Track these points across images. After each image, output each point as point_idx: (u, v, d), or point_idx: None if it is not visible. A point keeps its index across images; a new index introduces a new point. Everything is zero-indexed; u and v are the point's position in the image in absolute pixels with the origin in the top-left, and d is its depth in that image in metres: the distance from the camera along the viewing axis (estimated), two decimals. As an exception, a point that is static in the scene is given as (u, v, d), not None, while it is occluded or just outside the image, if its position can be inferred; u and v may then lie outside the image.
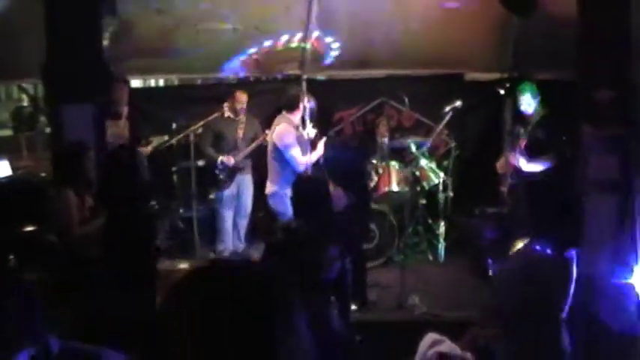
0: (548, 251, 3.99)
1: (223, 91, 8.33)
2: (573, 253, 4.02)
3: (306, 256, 4.32)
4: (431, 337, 5.49)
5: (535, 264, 4.05)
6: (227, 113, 7.87)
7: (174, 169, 8.19)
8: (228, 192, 7.98)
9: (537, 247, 4.05)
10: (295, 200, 4.70)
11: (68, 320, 3.84)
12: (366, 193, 7.87)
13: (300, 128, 7.48)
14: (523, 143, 7.28)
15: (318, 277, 4.34)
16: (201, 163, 7.94)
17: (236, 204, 8.06)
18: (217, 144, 7.91)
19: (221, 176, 7.88)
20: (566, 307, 3.98)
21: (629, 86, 6.12)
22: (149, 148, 7.51)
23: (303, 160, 7.29)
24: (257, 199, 8.13)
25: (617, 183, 6.19)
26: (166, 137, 7.96)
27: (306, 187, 4.77)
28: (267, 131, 7.74)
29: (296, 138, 7.37)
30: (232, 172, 7.94)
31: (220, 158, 7.84)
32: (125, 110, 7.42)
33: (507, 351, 4.06)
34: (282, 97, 7.63)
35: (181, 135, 7.77)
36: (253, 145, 7.93)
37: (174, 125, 8.01)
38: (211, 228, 8.22)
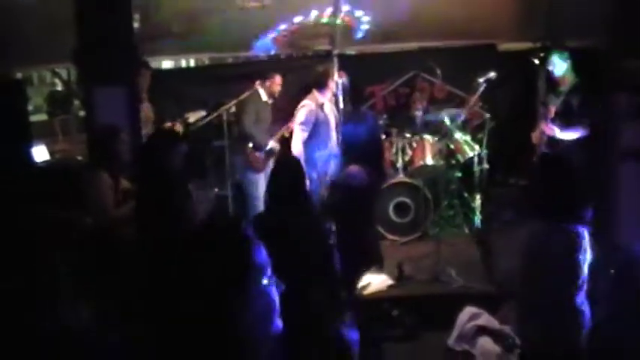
0: (553, 225, 3.92)
1: (254, 69, 8.32)
2: (582, 229, 3.92)
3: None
4: (469, 310, 5.51)
5: (536, 238, 3.98)
6: (264, 97, 7.79)
7: (208, 148, 8.20)
8: (261, 174, 7.95)
9: (542, 221, 3.99)
10: (269, 183, 4.61)
11: (103, 301, 3.87)
12: (382, 169, 7.84)
13: (326, 107, 7.42)
14: (553, 111, 7.21)
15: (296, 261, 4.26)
16: (219, 143, 7.87)
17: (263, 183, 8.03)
18: (256, 126, 7.85)
19: (261, 159, 7.82)
20: (578, 285, 3.90)
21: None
22: (178, 127, 7.51)
23: (298, 140, 7.25)
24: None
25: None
26: (203, 112, 7.92)
27: (280, 169, 4.68)
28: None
29: (315, 116, 7.30)
30: (270, 154, 7.91)
31: (271, 144, 7.79)
32: (147, 94, 7.43)
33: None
34: (312, 75, 7.60)
35: (215, 114, 7.77)
36: (284, 128, 7.88)
37: (207, 104, 8.02)
38: (244, 208, 8.22)
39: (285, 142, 7.79)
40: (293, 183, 4.49)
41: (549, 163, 4.36)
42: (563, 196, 3.91)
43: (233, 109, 7.85)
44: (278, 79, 7.89)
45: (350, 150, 6.32)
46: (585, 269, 3.92)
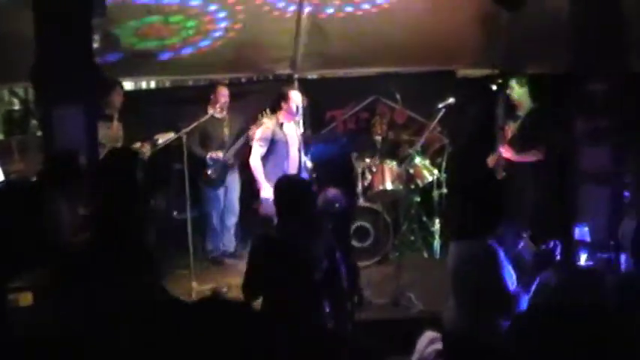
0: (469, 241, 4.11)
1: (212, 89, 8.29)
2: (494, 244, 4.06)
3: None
4: (429, 335, 5.48)
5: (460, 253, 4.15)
6: (210, 111, 7.81)
7: (167, 171, 8.16)
8: (219, 191, 7.97)
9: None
10: (276, 201, 4.74)
11: (64, 317, 3.80)
12: (354, 189, 7.92)
13: (287, 127, 7.46)
14: (509, 134, 7.32)
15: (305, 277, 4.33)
16: (179, 166, 7.89)
17: (225, 202, 8.05)
18: (205, 143, 7.89)
19: (213, 175, 7.87)
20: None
21: (621, 78, 6.15)
22: (147, 149, 7.49)
23: (256, 155, 7.43)
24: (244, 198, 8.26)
25: (610, 174, 6.20)
26: (172, 134, 7.90)
27: (285, 186, 4.79)
28: (252, 126, 7.72)
29: (272, 134, 7.44)
30: (223, 168, 7.92)
31: (209, 155, 7.83)
32: (117, 112, 7.41)
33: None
34: (273, 96, 7.68)
35: (174, 137, 7.74)
36: (240, 140, 7.90)
37: (168, 126, 7.99)
38: (203, 229, 8.19)
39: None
40: (295, 200, 4.61)
41: (468, 183, 4.60)
42: (475, 214, 4.09)
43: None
44: (223, 90, 7.94)
45: (324, 171, 6.35)
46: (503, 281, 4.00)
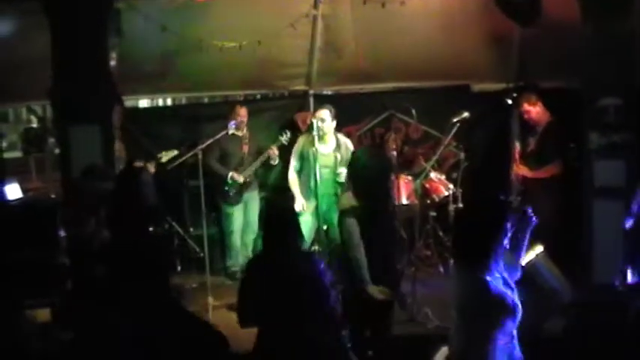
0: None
1: (230, 109, 8.36)
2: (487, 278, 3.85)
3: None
4: (445, 350, 5.47)
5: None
6: (231, 130, 7.85)
7: (183, 187, 8.20)
8: (237, 208, 7.99)
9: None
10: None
11: (78, 342, 3.82)
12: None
13: (316, 143, 7.36)
14: (527, 150, 7.30)
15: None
16: (194, 182, 7.94)
17: (243, 220, 8.06)
18: (223, 160, 7.92)
19: (230, 192, 7.90)
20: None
21: (633, 93, 6.15)
22: (152, 168, 7.54)
23: (290, 169, 7.58)
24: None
25: (623, 189, 6.19)
26: (176, 152, 7.96)
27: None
28: (272, 147, 7.83)
29: (301, 150, 7.53)
30: (241, 187, 7.95)
31: (230, 174, 7.85)
32: (118, 132, 7.41)
33: None
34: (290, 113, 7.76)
35: (190, 154, 7.78)
36: (259, 159, 7.94)
37: (183, 143, 8.05)
38: (220, 245, 8.22)
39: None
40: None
41: (459, 212, 4.54)
42: (467, 245, 3.91)
43: (206, 148, 7.92)
44: (241, 110, 7.99)
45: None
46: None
